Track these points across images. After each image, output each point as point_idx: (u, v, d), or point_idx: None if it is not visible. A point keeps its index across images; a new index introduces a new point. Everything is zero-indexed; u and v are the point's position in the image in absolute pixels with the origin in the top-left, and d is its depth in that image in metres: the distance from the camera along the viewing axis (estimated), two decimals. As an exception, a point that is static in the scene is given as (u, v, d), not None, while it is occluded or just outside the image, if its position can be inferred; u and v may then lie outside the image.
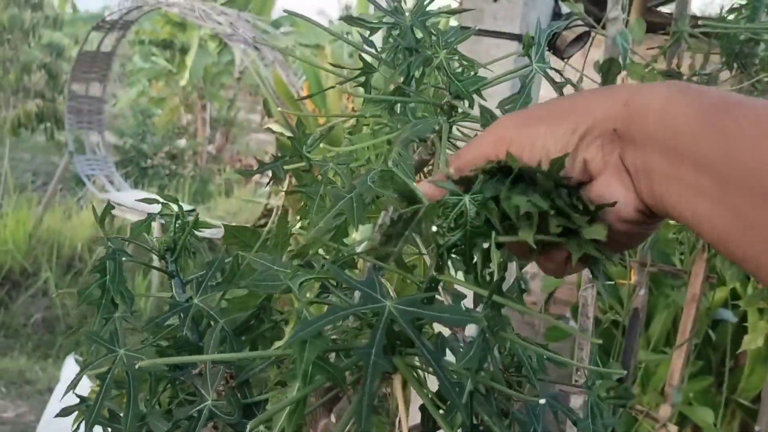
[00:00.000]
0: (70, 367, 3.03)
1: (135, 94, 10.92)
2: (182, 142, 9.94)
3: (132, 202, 4.93)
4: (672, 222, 1.92)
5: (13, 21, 7.73)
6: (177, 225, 0.77)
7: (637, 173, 0.47)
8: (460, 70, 0.76)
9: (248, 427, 0.47)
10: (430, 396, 0.52)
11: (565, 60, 1.57)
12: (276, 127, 4.31)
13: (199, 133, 10.30)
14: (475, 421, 0.57)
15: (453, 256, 0.56)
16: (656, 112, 0.45)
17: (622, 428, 1.86)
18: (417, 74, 0.74)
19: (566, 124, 0.48)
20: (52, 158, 8.50)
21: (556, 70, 0.75)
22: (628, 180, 0.47)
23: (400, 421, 0.80)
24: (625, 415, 1.79)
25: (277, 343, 0.60)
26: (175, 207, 0.77)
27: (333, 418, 0.71)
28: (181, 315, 0.68)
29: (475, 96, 0.72)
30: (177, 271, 0.76)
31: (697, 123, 0.43)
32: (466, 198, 0.54)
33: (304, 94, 4.79)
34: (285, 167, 0.84)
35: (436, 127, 0.73)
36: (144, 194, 6.19)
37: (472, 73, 0.74)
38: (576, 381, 1.41)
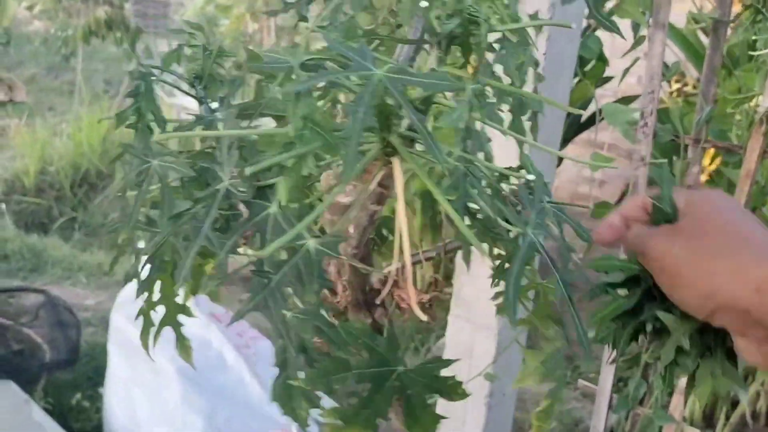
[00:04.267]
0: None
1: (202, 1, 10.94)
2: (248, 51, 9.94)
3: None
4: (730, 96, 1.84)
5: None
6: (205, 54, 0.80)
7: None
8: None
9: (226, 178, 0.50)
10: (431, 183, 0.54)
11: None
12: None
13: (264, 41, 10.30)
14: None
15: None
16: None
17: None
18: None
19: (701, 289, 0.49)
20: (126, 68, 8.66)
21: None
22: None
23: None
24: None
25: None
26: (201, 37, 0.80)
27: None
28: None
29: None
30: (205, 97, 0.80)
31: None
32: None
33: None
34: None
35: None
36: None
37: None
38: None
